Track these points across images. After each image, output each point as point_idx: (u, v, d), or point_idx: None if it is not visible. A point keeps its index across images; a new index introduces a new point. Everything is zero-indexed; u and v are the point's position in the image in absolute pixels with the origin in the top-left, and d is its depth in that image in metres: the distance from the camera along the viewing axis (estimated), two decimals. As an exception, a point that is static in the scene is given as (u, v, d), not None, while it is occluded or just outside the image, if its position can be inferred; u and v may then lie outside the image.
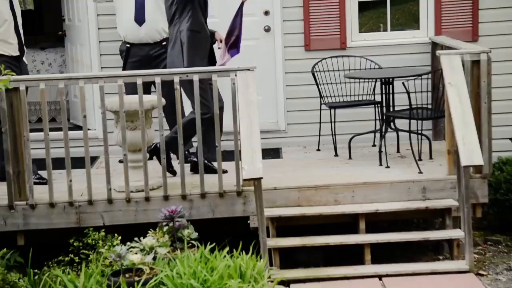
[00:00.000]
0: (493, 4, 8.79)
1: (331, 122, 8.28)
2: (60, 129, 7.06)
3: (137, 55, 8.07)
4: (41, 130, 6.96)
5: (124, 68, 8.14)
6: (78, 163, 7.20)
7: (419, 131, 7.79)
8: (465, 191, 6.54)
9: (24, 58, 7.69)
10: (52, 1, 10.88)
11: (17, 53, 7.53)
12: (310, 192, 7.08)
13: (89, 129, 8.11)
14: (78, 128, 7.87)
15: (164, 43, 8.08)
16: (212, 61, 7.65)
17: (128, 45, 8.09)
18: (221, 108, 7.37)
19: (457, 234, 6.77)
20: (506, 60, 8.55)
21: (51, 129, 7.03)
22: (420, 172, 7.29)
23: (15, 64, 7.45)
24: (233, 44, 7.58)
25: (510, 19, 8.82)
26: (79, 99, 8.19)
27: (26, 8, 13.98)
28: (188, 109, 7.87)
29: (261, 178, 6.17)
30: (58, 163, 7.21)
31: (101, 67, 8.75)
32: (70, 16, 9.43)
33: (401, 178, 7.20)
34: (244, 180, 6.37)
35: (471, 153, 6.28)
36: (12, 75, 5.62)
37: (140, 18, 7.91)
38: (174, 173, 7.40)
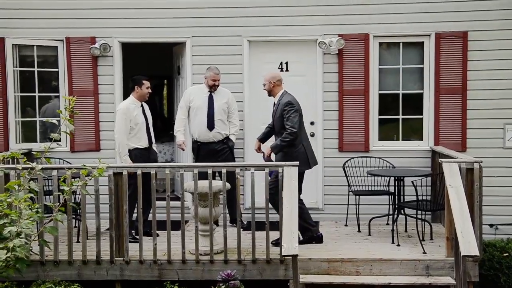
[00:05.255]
0: (477, 125, 7.19)
1: (356, 205, 6.76)
2: (161, 199, 5.78)
3: (206, 150, 6.86)
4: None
5: (196, 160, 6.93)
6: (173, 225, 5.58)
7: (423, 217, 6.16)
8: (463, 275, 4.87)
9: (154, 147, 6.60)
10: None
11: (147, 146, 6.41)
12: (337, 264, 5.47)
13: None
14: (177, 199, 6.42)
15: (224, 140, 6.88)
16: None
17: (199, 143, 6.89)
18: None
19: (455, 308, 5.00)
20: (488, 166, 6.68)
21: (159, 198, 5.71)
22: (424, 253, 5.62)
23: (144, 153, 6.38)
24: None
25: (491, 137, 7.17)
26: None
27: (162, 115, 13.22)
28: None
29: (297, 255, 4.61)
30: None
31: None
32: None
33: (409, 257, 5.52)
34: (283, 256, 4.73)
35: (468, 245, 4.64)
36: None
37: (210, 126, 6.80)
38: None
